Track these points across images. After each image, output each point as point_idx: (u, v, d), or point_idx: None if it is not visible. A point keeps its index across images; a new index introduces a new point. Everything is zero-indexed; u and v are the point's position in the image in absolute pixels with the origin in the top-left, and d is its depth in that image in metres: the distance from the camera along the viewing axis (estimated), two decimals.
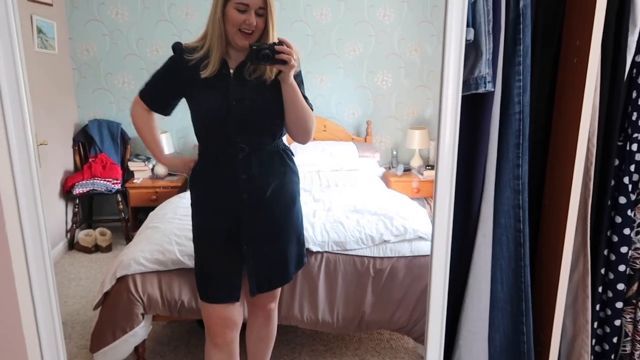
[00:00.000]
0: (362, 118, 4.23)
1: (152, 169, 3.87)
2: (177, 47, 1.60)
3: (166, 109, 1.69)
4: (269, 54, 1.42)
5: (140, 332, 2.15)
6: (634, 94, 1.29)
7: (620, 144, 1.33)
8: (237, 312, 1.70)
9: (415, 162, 4.07)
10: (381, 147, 4.27)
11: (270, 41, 1.49)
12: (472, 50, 1.19)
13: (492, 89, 1.20)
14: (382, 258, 2.36)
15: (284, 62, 1.43)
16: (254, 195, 1.59)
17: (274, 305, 1.88)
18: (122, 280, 2.15)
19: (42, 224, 1.27)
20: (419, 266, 2.30)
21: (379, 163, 4.05)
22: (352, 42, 4.06)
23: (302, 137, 1.63)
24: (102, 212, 3.99)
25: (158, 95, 1.66)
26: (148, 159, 3.91)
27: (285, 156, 1.66)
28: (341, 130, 4.12)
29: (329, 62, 4.07)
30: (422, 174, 3.94)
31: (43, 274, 1.29)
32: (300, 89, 1.56)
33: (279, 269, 1.70)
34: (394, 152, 4.19)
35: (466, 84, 1.20)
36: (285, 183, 1.65)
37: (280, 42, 1.43)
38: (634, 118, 1.30)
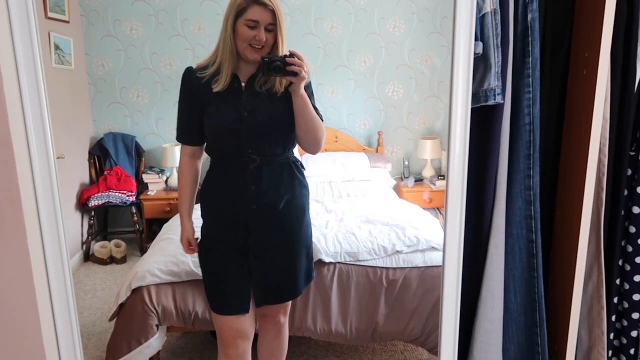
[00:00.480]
0: (373, 129, 4.25)
1: (166, 181, 3.92)
2: (184, 75, 1.63)
3: (204, 137, 1.70)
4: (280, 66, 1.45)
5: (154, 343, 2.17)
6: None
7: (632, 153, 1.33)
8: (248, 323, 1.71)
9: (427, 172, 4.07)
10: (393, 158, 4.28)
11: (280, 54, 1.53)
12: (481, 63, 1.20)
13: (502, 101, 1.21)
14: (394, 269, 2.36)
15: (295, 74, 1.46)
16: (263, 206, 1.60)
17: (284, 319, 1.88)
18: (137, 291, 2.18)
19: (62, 236, 1.30)
20: (431, 277, 2.30)
21: (391, 173, 4.06)
22: (362, 54, 4.10)
23: (313, 147, 1.65)
24: (117, 224, 4.05)
25: (191, 127, 1.66)
26: (162, 171, 3.96)
27: (296, 169, 1.68)
28: (353, 141, 4.14)
29: (339, 73, 4.10)
30: (434, 184, 3.93)
31: (62, 286, 1.31)
32: (310, 100, 1.58)
33: (287, 282, 1.71)
34: (406, 163, 4.20)
35: (476, 96, 1.21)
36: (295, 196, 1.67)
37: (291, 55, 1.46)
38: None
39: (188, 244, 1.76)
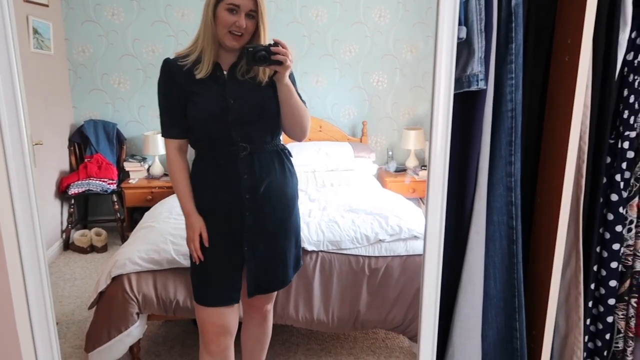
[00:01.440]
0: (357, 118, 4.24)
1: (148, 169, 3.87)
2: (162, 65, 1.58)
3: (188, 132, 1.65)
4: (265, 55, 1.43)
5: (135, 331, 2.15)
6: (625, 92, 1.30)
7: (612, 141, 1.34)
8: (233, 317, 1.69)
9: (411, 163, 4.08)
10: (377, 148, 4.29)
11: (262, 43, 1.50)
12: (464, 48, 1.19)
13: (485, 87, 1.21)
14: (377, 257, 2.37)
15: (280, 63, 1.44)
16: (256, 195, 1.59)
17: (270, 307, 1.89)
18: (117, 279, 2.16)
19: (36, 224, 1.27)
20: (413, 265, 2.31)
21: (375, 163, 4.06)
22: (348, 43, 4.08)
23: (299, 135, 1.64)
24: (98, 213, 3.99)
25: (177, 120, 1.61)
26: (144, 159, 3.91)
27: (285, 157, 1.67)
28: (337, 130, 4.13)
29: (324, 62, 4.08)
30: (417, 174, 3.95)
31: (37, 274, 1.28)
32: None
33: (279, 271, 1.70)
34: (390, 153, 4.21)
35: (459, 81, 1.21)
36: (286, 183, 1.66)
37: (276, 43, 1.44)
38: (625, 116, 1.31)
39: (199, 242, 1.61)
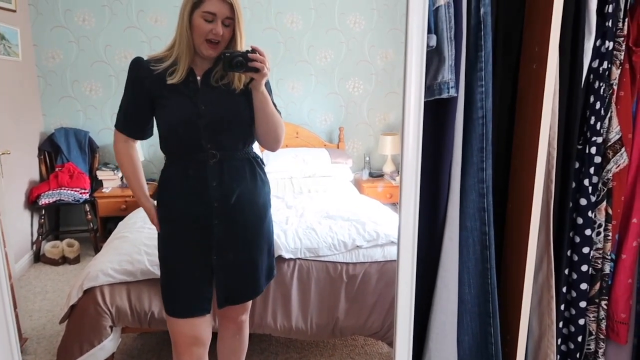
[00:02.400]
0: (334, 124, 4.25)
1: (122, 178, 3.80)
2: (133, 64, 1.57)
3: (145, 132, 1.65)
4: (242, 61, 1.41)
5: (108, 345, 2.10)
6: (592, 99, 1.33)
7: (580, 147, 1.37)
8: (205, 328, 1.66)
9: (388, 168, 4.10)
10: (354, 154, 4.30)
11: (239, 48, 1.49)
12: (435, 56, 1.20)
13: (455, 94, 1.22)
14: (354, 264, 2.37)
15: (257, 70, 1.42)
16: (225, 203, 1.56)
17: (245, 317, 1.86)
18: (89, 292, 2.10)
19: None
20: (391, 271, 2.32)
21: (352, 169, 4.08)
22: (323, 49, 4.09)
23: (272, 144, 1.63)
24: (70, 223, 3.90)
25: (133, 119, 1.61)
26: (117, 167, 3.84)
27: (257, 165, 1.65)
28: (313, 136, 4.13)
29: (300, 69, 4.08)
30: (394, 180, 3.98)
31: None
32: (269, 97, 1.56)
33: (249, 281, 1.68)
34: (367, 158, 4.23)
35: (430, 89, 1.22)
36: (257, 192, 1.64)
37: (253, 50, 1.42)
38: (592, 122, 1.34)
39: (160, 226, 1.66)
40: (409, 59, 1.01)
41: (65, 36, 3.74)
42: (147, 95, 1.54)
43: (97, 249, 3.55)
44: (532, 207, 1.24)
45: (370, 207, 2.95)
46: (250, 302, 1.82)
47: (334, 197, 3.21)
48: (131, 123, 1.62)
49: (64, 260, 3.46)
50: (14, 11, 3.39)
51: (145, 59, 1.57)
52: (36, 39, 3.70)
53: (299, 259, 2.33)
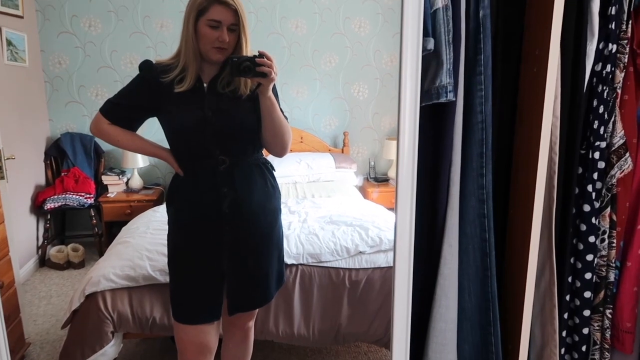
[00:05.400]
0: (339, 129, 4.24)
1: (127, 183, 3.82)
2: (144, 65, 1.57)
3: (132, 125, 1.64)
4: (250, 66, 1.40)
5: (110, 351, 2.09)
6: (595, 103, 1.30)
7: (583, 152, 1.34)
8: (213, 335, 1.65)
9: (393, 173, 4.08)
10: (358, 158, 4.28)
11: (245, 52, 1.49)
12: (433, 59, 1.18)
13: (454, 99, 1.20)
14: (357, 269, 2.34)
15: (265, 75, 1.41)
16: (236, 209, 1.55)
17: (252, 324, 1.85)
18: (91, 297, 2.10)
19: None
20: None
21: (357, 174, 4.06)
22: (328, 54, 4.08)
23: (279, 150, 1.61)
24: (75, 228, 3.92)
25: (123, 113, 1.60)
26: (122, 172, 3.85)
27: (267, 170, 1.64)
28: (318, 141, 4.12)
29: (305, 73, 4.08)
30: None
31: None
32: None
33: (260, 288, 1.66)
34: (372, 163, 4.20)
35: (428, 93, 1.20)
36: (268, 197, 1.62)
37: (261, 55, 1.41)
38: (595, 126, 1.31)
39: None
40: (403, 62, 0.99)
41: (72, 42, 3.77)
42: (147, 99, 1.54)
43: (101, 254, 3.55)
44: (533, 213, 1.21)
45: (374, 212, 2.92)
46: (257, 309, 1.81)
47: (338, 202, 3.19)
48: (120, 114, 1.59)
49: (68, 264, 3.48)
50: (22, 17, 3.42)
51: (154, 62, 1.57)
52: (43, 44, 3.73)
53: (301, 264, 2.31)
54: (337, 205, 3.07)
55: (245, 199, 1.56)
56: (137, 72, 1.59)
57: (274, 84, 1.52)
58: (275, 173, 1.72)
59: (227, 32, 1.46)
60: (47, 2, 3.67)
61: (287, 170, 3.66)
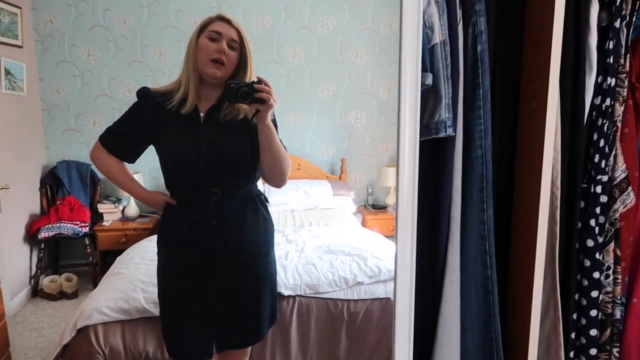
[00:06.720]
0: (336, 156, 4.23)
1: (123, 211, 3.78)
2: (141, 92, 1.57)
3: (132, 157, 1.64)
4: (247, 91, 1.38)
5: None
6: (595, 136, 1.29)
7: (584, 186, 1.32)
8: None
9: (391, 200, 4.06)
10: (356, 185, 4.26)
11: (248, 79, 1.48)
12: (431, 94, 1.17)
13: (453, 134, 1.18)
14: (356, 300, 2.30)
15: (263, 101, 1.39)
16: (226, 242, 1.52)
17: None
18: (82, 331, 2.05)
19: None
20: None
21: (354, 201, 4.03)
22: (325, 82, 4.11)
23: (278, 180, 1.59)
24: (69, 257, 3.86)
25: (119, 140, 1.60)
26: (118, 200, 3.82)
27: (260, 203, 1.61)
28: (316, 168, 4.10)
29: (302, 101, 4.09)
30: None
31: None
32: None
33: (250, 326, 1.62)
34: (369, 190, 4.18)
35: (427, 128, 1.18)
36: (260, 231, 1.59)
37: (259, 81, 1.40)
38: (596, 160, 1.30)
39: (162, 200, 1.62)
40: (402, 97, 0.98)
41: (71, 71, 3.78)
42: (145, 126, 1.53)
43: (95, 284, 3.49)
44: (536, 249, 1.19)
45: (372, 241, 2.89)
46: (249, 347, 1.77)
47: (336, 230, 3.16)
48: (120, 144, 1.61)
49: (61, 295, 3.41)
50: (21, 47, 3.44)
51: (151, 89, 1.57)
52: (41, 73, 3.74)
53: (298, 295, 2.27)
54: (335, 234, 3.04)
55: (235, 232, 1.53)
56: (134, 100, 1.59)
57: (274, 115, 1.51)
58: (271, 201, 1.71)
59: (227, 46, 1.46)
60: (47, 32, 3.69)
61: (284, 197, 3.63)
